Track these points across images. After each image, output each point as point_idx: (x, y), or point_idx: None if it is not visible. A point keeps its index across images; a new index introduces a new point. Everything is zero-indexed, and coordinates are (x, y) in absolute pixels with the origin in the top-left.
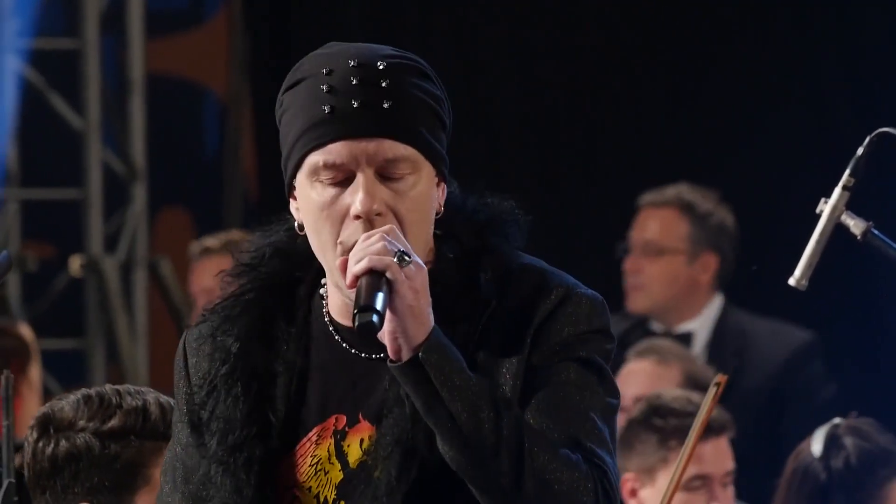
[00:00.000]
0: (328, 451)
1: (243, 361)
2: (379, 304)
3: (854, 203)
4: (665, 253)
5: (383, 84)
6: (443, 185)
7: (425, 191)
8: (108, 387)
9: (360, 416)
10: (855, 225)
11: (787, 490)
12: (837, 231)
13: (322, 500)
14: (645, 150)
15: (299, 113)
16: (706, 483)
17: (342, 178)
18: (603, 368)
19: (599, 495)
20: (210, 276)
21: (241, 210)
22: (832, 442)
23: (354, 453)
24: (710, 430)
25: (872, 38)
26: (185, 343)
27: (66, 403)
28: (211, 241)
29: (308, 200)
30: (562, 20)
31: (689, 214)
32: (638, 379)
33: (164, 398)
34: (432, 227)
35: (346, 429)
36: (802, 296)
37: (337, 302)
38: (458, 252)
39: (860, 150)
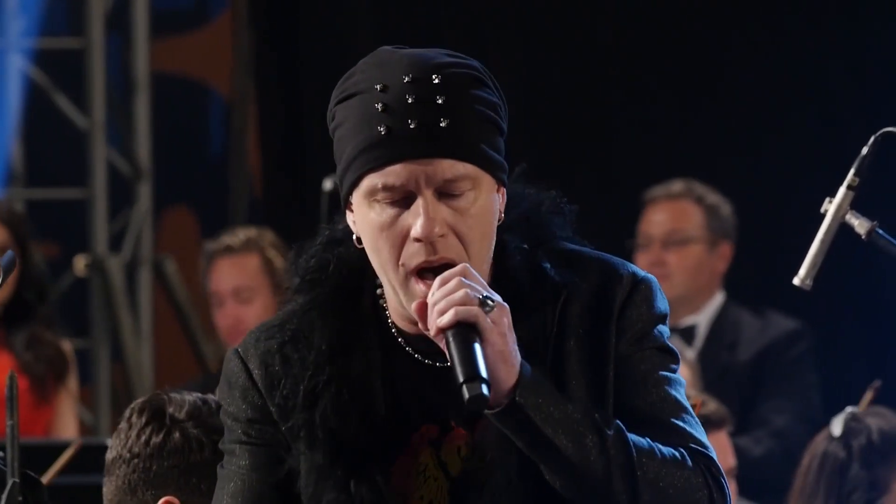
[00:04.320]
0: (430, 458)
1: (340, 372)
2: (482, 369)
3: (858, 202)
4: (688, 242)
5: (439, 101)
6: (503, 189)
7: (486, 204)
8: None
9: (452, 424)
10: (860, 224)
11: (804, 477)
12: (842, 231)
13: None
14: (651, 148)
15: (355, 131)
16: None
17: (400, 198)
18: (669, 347)
19: (711, 484)
20: (234, 275)
21: (246, 209)
22: (853, 422)
23: (454, 462)
24: (708, 424)
25: (878, 38)
26: (243, 358)
27: (185, 401)
28: (231, 240)
29: (366, 219)
30: (573, 17)
31: (702, 205)
32: None
33: None
34: (495, 237)
35: (441, 438)
36: (807, 295)
37: (398, 309)
38: (520, 243)
39: (865, 150)
